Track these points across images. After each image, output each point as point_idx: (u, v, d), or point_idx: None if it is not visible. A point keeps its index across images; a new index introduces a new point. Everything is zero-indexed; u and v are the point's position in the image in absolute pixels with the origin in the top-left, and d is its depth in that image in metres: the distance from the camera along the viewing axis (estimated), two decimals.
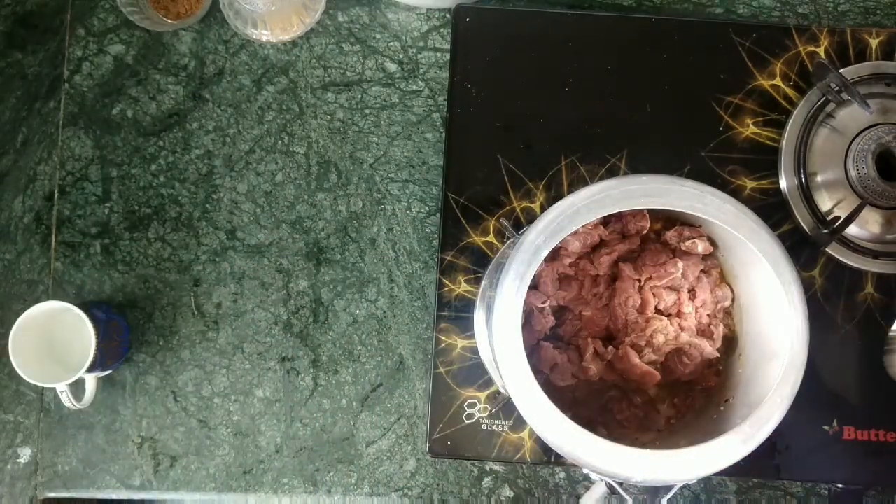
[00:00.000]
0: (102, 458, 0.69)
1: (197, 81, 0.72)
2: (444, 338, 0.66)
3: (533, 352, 0.55)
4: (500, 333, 0.47)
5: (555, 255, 0.56)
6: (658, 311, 0.56)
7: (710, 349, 0.54)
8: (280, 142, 0.71)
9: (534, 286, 0.56)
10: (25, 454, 0.70)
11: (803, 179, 0.66)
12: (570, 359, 0.55)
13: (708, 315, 0.56)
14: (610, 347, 0.55)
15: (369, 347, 0.70)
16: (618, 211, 0.47)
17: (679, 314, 0.56)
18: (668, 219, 0.57)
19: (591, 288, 0.57)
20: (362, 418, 0.70)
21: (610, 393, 0.55)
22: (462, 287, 0.66)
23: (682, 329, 0.55)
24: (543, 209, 0.66)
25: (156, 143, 0.71)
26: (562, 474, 0.69)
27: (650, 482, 0.46)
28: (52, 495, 0.69)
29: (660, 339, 0.54)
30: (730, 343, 0.56)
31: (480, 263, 0.66)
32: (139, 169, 0.71)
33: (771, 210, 0.67)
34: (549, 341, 0.56)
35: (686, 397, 0.55)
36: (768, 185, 0.68)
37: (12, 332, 0.62)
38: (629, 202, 0.47)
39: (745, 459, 0.46)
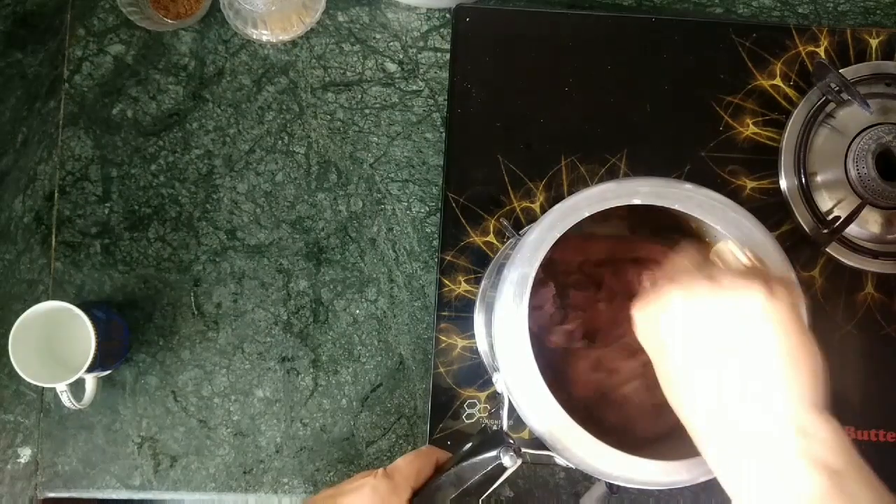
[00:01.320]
0: (102, 458, 0.69)
1: (197, 81, 0.72)
2: (444, 338, 0.66)
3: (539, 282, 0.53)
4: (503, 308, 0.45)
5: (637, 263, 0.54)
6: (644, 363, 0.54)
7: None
8: (280, 142, 0.71)
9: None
10: (25, 454, 0.70)
11: (803, 179, 0.66)
12: (553, 313, 0.54)
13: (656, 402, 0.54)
14: (584, 341, 0.55)
15: (369, 347, 0.70)
16: (619, 204, 0.47)
17: (650, 381, 0.55)
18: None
19: (622, 301, 0.55)
20: (362, 418, 0.70)
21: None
22: (462, 287, 0.66)
23: (636, 381, 0.53)
24: (543, 209, 0.67)
25: (156, 143, 0.71)
26: (562, 474, 0.69)
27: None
28: (52, 495, 0.69)
29: (616, 377, 0.53)
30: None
31: (480, 263, 0.66)
32: (139, 169, 0.71)
33: (771, 210, 0.67)
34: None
35: None
36: (768, 185, 0.68)
37: (12, 332, 0.62)
38: (630, 198, 0.47)
39: None
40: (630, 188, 0.46)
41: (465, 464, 0.47)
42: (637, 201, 0.46)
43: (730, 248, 0.48)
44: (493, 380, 0.48)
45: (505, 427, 0.47)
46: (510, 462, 0.45)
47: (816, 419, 0.37)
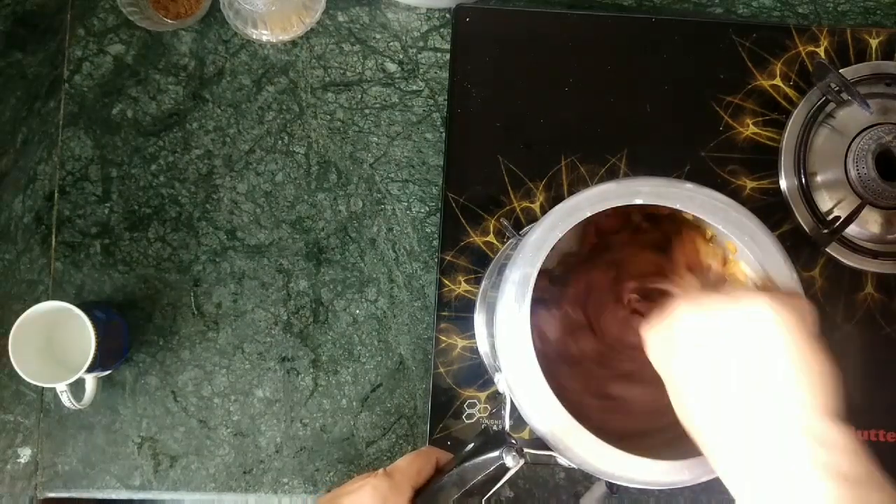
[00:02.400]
0: (102, 458, 0.69)
1: (197, 81, 0.72)
2: (444, 338, 0.66)
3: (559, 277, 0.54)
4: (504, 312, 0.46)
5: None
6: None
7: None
8: (280, 142, 0.71)
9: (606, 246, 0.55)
10: (25, 454, 0.70)
11: (803, 179, 0.66)
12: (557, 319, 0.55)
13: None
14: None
15: (369, 347, 0.70)
16: (620, 205, 0.47)
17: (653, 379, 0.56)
18: None
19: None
20: (362, 418, 0.70)
21: None
22: (462, 287, 0.66)
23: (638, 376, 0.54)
24: (543, 209, 0.67)
25: (156, 143, 0.71)
26: (562, 474, 0.69)
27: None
28: (52, 495, 0.69)
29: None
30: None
31: (480, 263, 0.66)
32: (139, 169, 0.71)
33: (771, 210, 0.67)
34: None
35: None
36: (768, 185, 0.68)
37: (12, 332, 0.62)
38: (631, 198, 0.47)
39: None
40: (631, 188, 0.46)
41: (467, 464, 0.47)
42: (638, 201, 0.46)
43: (742, 270, 0.48)
44: (495, 380, 0.48)
45: (507, 427, 0.47)
46: (513, 462, 0.45)
47: (830, 426, 0.36)
